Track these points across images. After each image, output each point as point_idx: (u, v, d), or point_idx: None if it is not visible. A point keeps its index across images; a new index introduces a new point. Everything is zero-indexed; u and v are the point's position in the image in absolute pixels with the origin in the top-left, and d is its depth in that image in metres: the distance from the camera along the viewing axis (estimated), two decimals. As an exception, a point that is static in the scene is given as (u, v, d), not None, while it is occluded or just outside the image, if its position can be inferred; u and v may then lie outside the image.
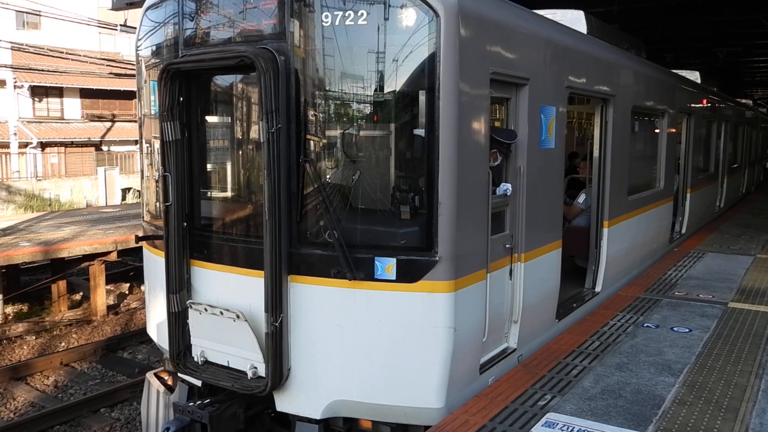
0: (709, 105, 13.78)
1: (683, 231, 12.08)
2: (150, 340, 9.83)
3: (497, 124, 5.80)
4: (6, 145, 32.08)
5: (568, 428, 4.46)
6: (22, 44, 29.82)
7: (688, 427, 4.50)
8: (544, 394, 5.03)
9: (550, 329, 6.47)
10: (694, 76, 14.29)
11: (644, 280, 8.85)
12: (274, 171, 4.68)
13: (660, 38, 16.64)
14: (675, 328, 6.72)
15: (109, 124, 37.13)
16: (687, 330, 6.67)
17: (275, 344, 4.83)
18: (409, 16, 4.58)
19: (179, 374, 5.69)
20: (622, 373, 5.50)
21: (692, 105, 12.08)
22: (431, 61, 4.56)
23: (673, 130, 10.59)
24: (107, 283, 14.06)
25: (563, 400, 4.93)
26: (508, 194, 5.56)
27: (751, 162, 21.78)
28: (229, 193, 5.58)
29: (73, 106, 36.67)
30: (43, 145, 33.70)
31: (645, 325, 6.84)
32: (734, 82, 30.10)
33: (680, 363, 5.73)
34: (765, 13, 14.30)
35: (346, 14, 4.60)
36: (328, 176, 4.97)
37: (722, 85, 19.58)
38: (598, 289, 7.77)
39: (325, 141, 4.98)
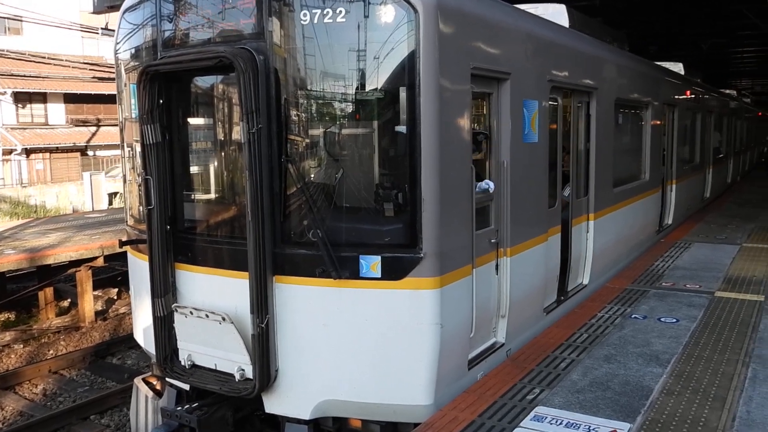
0: (693, 96, 13.85)
1: (670, 222, 12.14)
2: (138, 345, 9.77)
3: (481, 120, 5.80)
4: (-10, 152, 31.85)
5: (556, 421, 4.47)
6: (3, 50, 29.59)
7: (676, 416, 4.52)
8: (533, 388, 5.03)
9: (538, 323, 6.47)
10: (678, 67, 14.36)
11: (631, 272, 8.89)
12: (256, 171, 4.65)
13: (643, 31, 16.70)
14: (662, 319, 6.75)
15: (94, 128, 36.89)
16: (674, 320, 6.70)
17: (262, 346, 4.81)
18: (387, 13, 4.56)
19: (167, 379, 5.65)
20: (610, 364, 5.51)
21: (676, 97, 12.14)
22: (411, 57, 4.54)
23: (658, 122, 10.63)
24: (95, 288, 13.93)
25: (552, 393, 4.94)
26: (491, 191, 5.55)
27: (736, 152, 21.94)
28: (212, 195, 5.54)
29: (57, 112, 36.38)
30: (28, 152, 33.44)
31: (632, 316, 6.87)
32: (718, 73, 30.25)
33: (668, 353, 5.75)
34: (747, 5, 14.39)
35: (325, 12, 4.58)
36: (311, 175, 4.94)
37: (706, 76, 19.68)
38: (585, 281, 7.79)
39: (307, 140, 4.97)
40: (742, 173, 24.56)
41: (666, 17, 15.95)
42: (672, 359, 5.61)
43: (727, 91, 23.62)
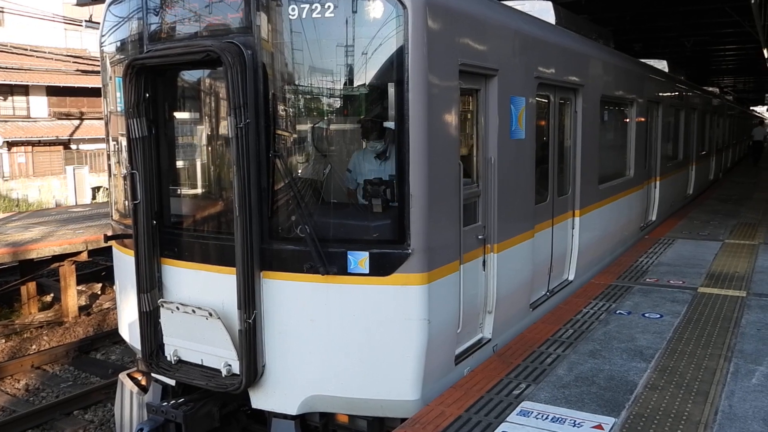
0: (677, 94, 13.97)
1: (653, 218, 12.25)
2: (123, 341, 9.71)
3: (468, 116, 5.82)
4: (-29, 146, 31.41)
5: (542, 416, 4.50)
6: (-16, 42, 29.16)
7: (660, 411, 4.57)
8: (519, 383, 5.07)
9: (524, 319, 6.51)
10: (662, 65, 14.45)
11: (616, 268, 8.96)
12: (243, 166, 4.63)
13: (629, 28, 16.83)
14: (646, 315, 6.81)
15: (77, 122, 36.47)
16: (658, 316, 6.77)
17: (249, 341, 4.80)
18: (376, 9, 4.56)
19: (152, 374, 5.63)
20: (595, 360, 5.56)
21: (660, 94, 12.24)
22: (400, 53, 4.54)
23: (642, 119, 10.72)
24: (78, 283, 13.82)
25: (538, 388, 4.98)
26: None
27: (719, 149, 22.17)
28: (198, 190, 5.51)
29: (39, 105, 35.92)
30: (10, 145, 33.02)
31: (617, 312, 6.93)
32: (701, 70, 30.54)
33: (652, 348, 5.81)
34: (730, 3, 14.54)
35: (313, 7, 4.56)
36: (298, 171, 4.94)
37: (690, 73, 19.86)
38: (570, 277, 7.85)
39: (295, 135, 4.95)
40: (725, 170, 24.82)
41: (650, 14, 16.07)
42: (656, 354, 5.67)
43: (710, 89, 23.84)
